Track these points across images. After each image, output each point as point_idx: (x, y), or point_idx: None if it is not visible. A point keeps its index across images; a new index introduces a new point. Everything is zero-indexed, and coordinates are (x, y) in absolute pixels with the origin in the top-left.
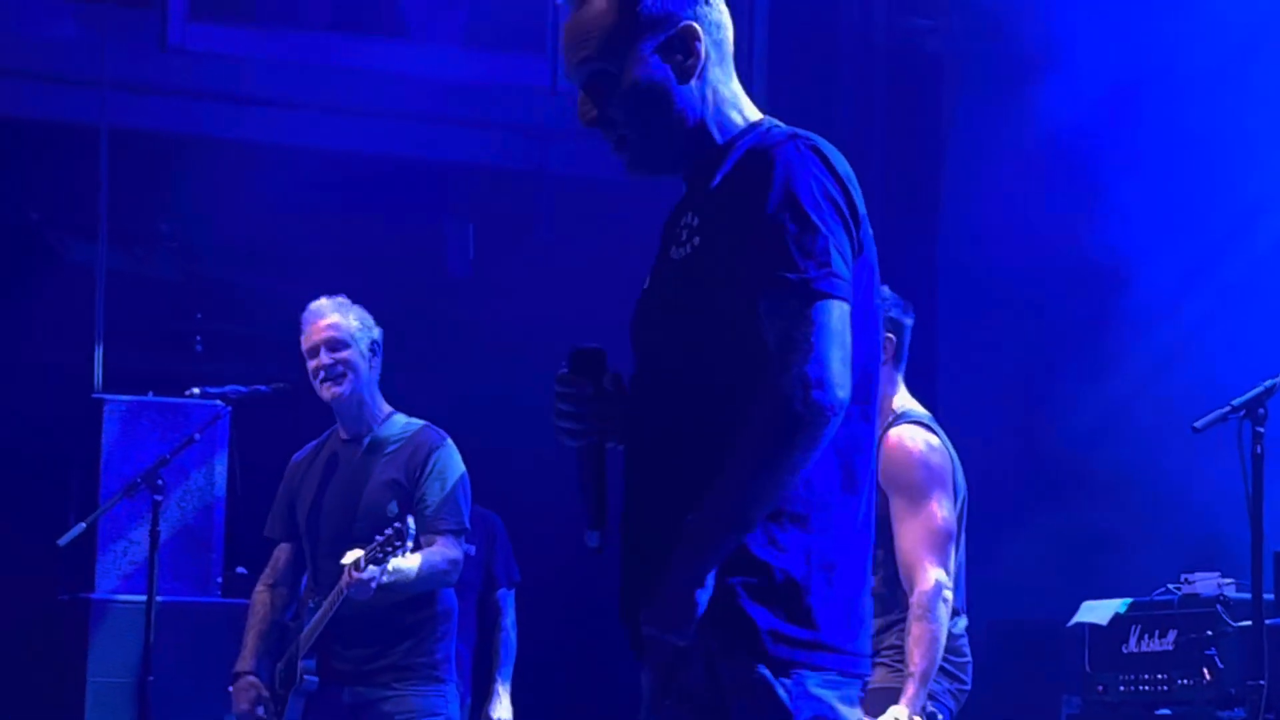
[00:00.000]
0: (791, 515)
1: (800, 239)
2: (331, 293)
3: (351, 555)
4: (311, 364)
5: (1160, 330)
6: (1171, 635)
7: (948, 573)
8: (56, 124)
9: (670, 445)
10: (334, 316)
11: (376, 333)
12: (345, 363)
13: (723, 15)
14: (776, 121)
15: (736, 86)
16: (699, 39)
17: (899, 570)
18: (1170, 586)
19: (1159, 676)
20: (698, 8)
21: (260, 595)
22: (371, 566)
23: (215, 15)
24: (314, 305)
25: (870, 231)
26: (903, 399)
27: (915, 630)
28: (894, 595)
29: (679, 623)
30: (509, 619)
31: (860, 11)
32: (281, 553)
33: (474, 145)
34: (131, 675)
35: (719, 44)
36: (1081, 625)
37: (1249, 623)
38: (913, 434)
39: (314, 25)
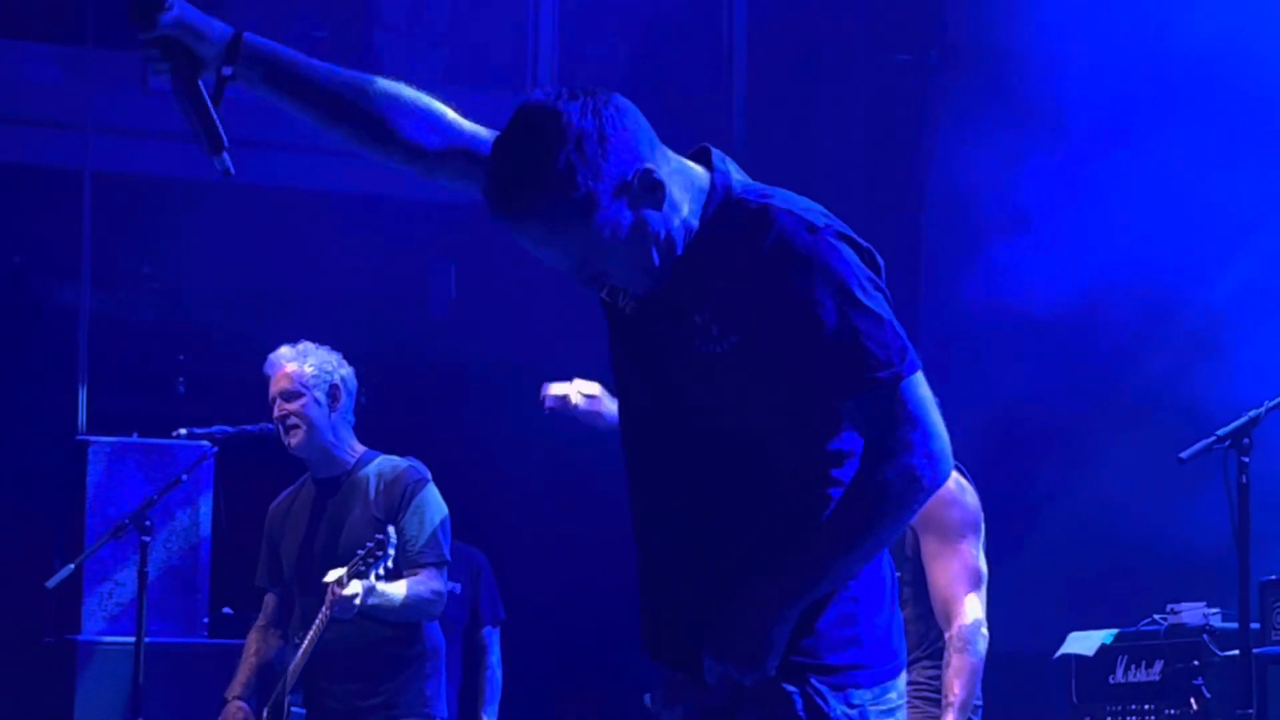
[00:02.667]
0: None
1: (874, 335)
2: (314, 333)
3: (334, 574)
4: (275, 413)
5: (1145, 360)
6: (1158, 665)
7: (983, 608)
8: (39, 167)
9: (740, 515)
10: (290, 366)
11: (340, 375)
12: (298, 414)
13: (634, 117)
14: (727, 171)
15: (676, 158)
16: (654, 171)
17: (933, 606)
18: (1156, 617)
19: (1146, 707)
20: (634, 150)
21: (252, 637)
22: (354, 583)
23: None
24: (273, 355)
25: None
26: None
27: (956, 662)
28: (923, 632)
29: (759, 661)
30: (494, 657)
31: (840, 46)
32: (271, 598)
33: (456, 189)
34: (118, 717)
35: (656, 146)
36: (1068, 656)
37: (1235, 652)
38: None
39: None
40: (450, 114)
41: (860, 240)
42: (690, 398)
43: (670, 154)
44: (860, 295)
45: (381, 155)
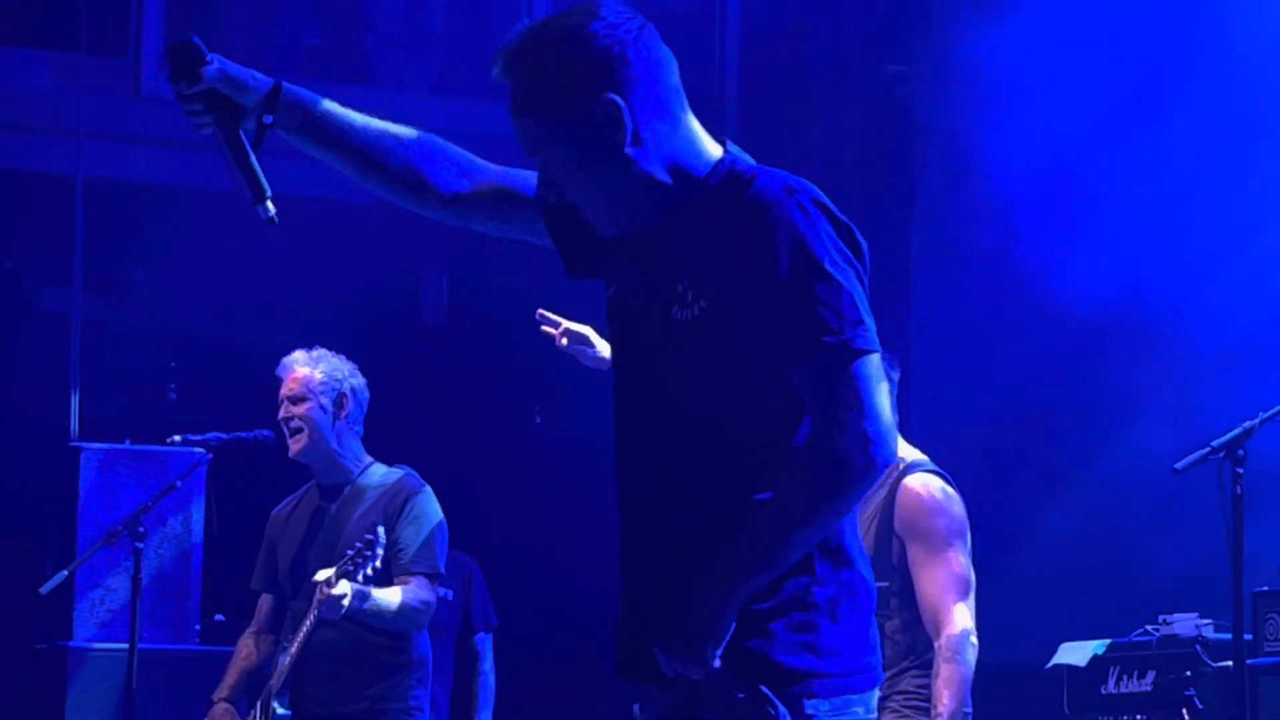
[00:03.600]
0: (823, 548)
1: (830, 302)
2: (305, 340)
3: (323, 573)
4: (280, 415)
5: (1137, 371)
6: (1150, 676)
7: (972, 617)
8: (32, 173)
9: (693, 500)
10: (300, 370)
11: (350, 384)
12: (301, 418)
13: (651, 64)
14: (742, 156)
15: (691, 127)
16: (621, 108)
17: (922, 615)
18: (1148, 627)
19: (1138, 718)
20: (614, 72)
21: (245, 642)
22: (343, 583)
23: None
24: (286, 358)
25: (869, 267)
26: (905, 447)
27: (945, 671)
28: (910, 641)
29: (701, 652)
30: (487, 664)
31: (833, 57)
32: (265, 603)
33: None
34: None
35: (652, 96)
36: (1060, 667)
37: (1228, 663)
38: (931, 483)
39: (286, 73)
40: (481, 161)
41: (841, 216)
42: (662, 372)
43: (689, 120)
44: (823, 260)
45: (416, 204)
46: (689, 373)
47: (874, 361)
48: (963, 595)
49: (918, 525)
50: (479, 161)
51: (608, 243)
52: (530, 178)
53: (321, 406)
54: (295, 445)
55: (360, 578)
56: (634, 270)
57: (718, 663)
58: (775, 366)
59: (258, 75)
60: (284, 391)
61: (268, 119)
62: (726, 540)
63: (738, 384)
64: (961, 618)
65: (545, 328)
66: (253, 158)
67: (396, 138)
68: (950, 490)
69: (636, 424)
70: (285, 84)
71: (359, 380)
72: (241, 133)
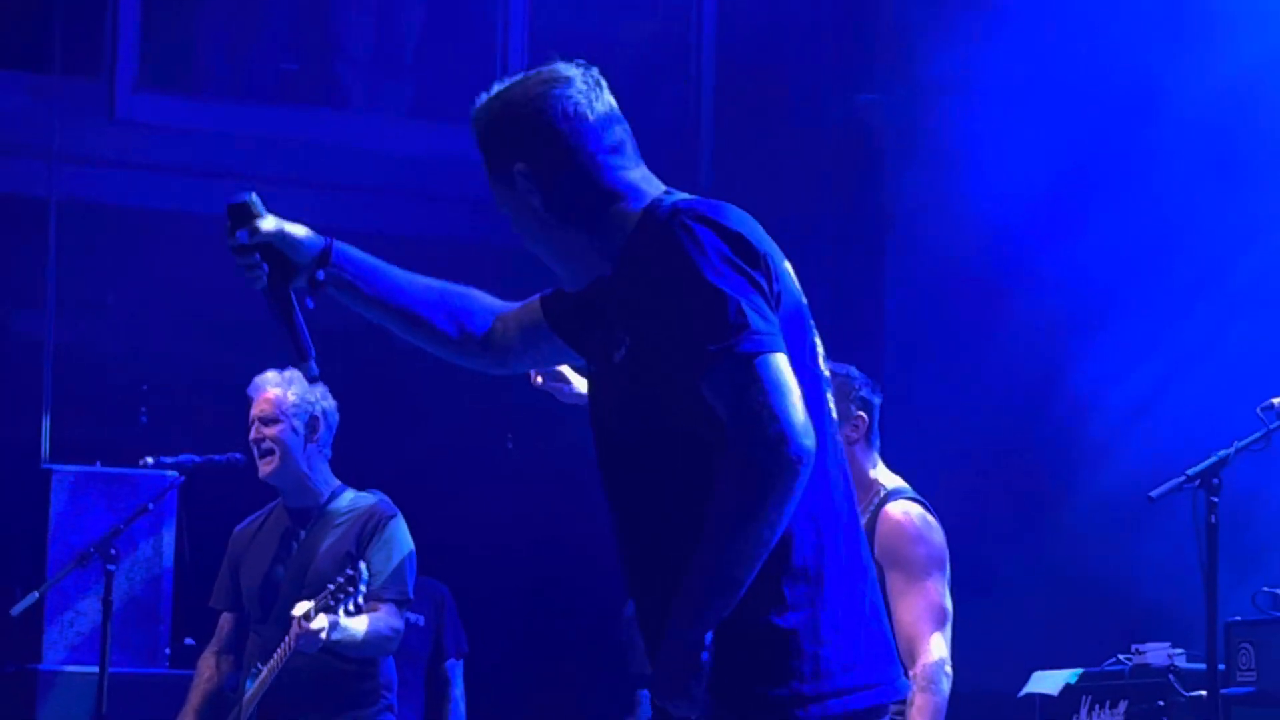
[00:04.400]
0: (790, 569)
1: (712, 312)
2: (277, 364)
3: (301, 606)
4: (251, 437)
5: (1110, 399)
6: (1122, 706)
7: (948, 646)
8: (4, 195)
9: (657, 533)
10: (273, 391)
11: (321, 407)
12: (274, 439)
13: (582, 129)
14: (669, 194)
15: (629, 180)
16: (529, 177)
17: (898, 644)
18: (1121, 657)
19: None
20: (534, 144)
21: (206, 661)
22: (322, 616)
23: (162, 87)
24: (258, 378)
25: (787, 275)
26: (887, 475)
27: (919, 701)
28: None
29: (683, 692)
30: (457, 689)
31: (807, 85)
32: (226, 622)
33: (420, 217)
34: None
35: (578, 161)
36: (1032, 696)
37: (1201, 693)
38: (911, 511)
39: (261, 97)
40: (514, 304)
41: (731, 226)
42: (608, 414)
43: (630, 175)
44: (704, 270)
45: (458, 355)
46: (626, 410)
47: (770, 362)
48: (939, 625)
49: (897, 553)
50: (512, 305)
51: (593, 313)
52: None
53: (293, 429)
54: (266, 467)
55: (342, 613)
56: (599, 333)
57: (707, 696)
58: (689, 388)
59: (313, 233)
60: (255, 412)
61: (320, 275)
62: (686, 572)
63: (670, 413)
64: (937, 647)
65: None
66: (298, 315)
67: (440, 293)
68: (930, 519)
69: (604, 466)
70: (336, 242)
71: (330, 403)
72: (291, 291)
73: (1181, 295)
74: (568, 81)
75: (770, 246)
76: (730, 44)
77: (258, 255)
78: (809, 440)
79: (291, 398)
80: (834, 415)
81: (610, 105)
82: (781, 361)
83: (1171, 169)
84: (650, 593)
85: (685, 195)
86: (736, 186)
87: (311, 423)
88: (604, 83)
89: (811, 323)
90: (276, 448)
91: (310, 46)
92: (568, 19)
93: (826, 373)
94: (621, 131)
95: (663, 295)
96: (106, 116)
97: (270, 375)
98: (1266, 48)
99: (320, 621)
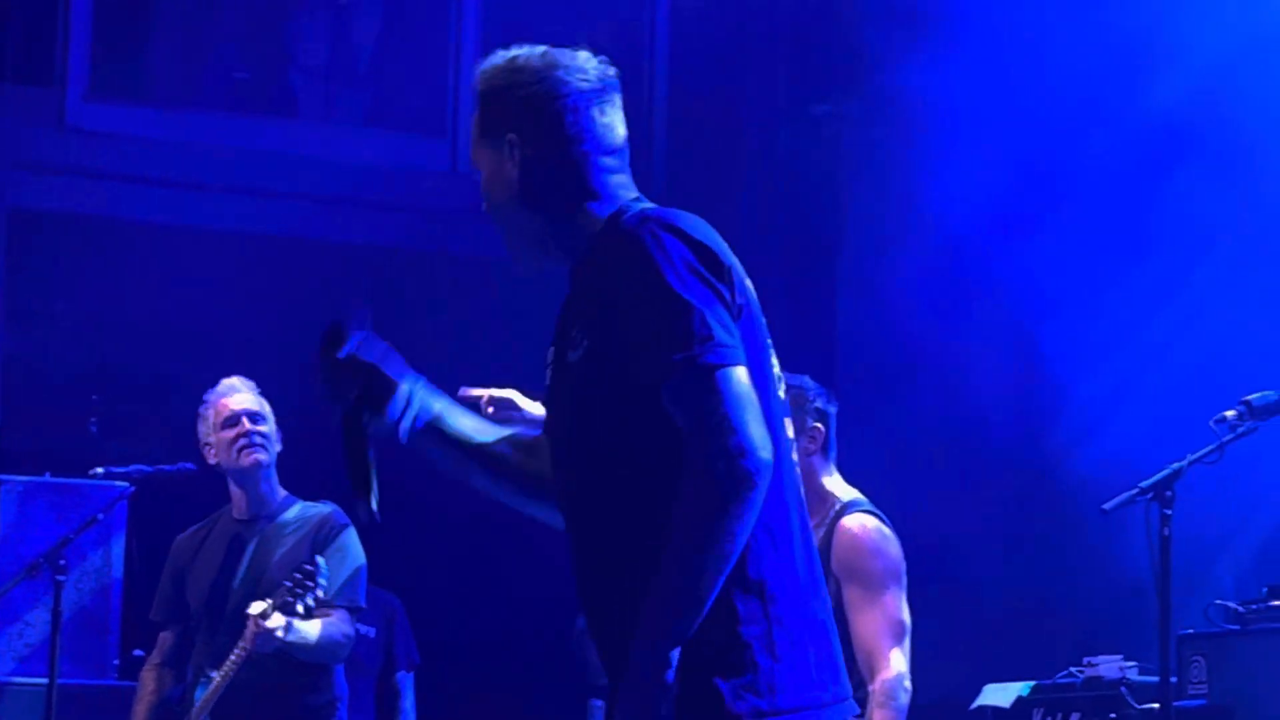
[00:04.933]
0: (746, 584)
1: (676, 322)
2: (230, 374)
3: (257, 606)
4: (230, 432)
5: (1064, 411)
6: (1075, 718)
7: (907, 661)
8: None
9: (609, 542)
10: (250, 394)
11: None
12: (264, 435)
13: (588, 124)
14: (638, 201)
15: (611, 183)
16: (516, 147)
17: (857, 657)
18: (1073, 669)
19: None
20: (538, 120)
21: (148, 674)
22: (278, 615)
23: (114, 95)
24: (228, 381)
25: (748, 289)
26: (842, 486)
27: (878, 716)
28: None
29: (651, 713)
30: (408, 701)
31: (761, 97)
32: (168, 636)
33: (373, 227)
34: None
35: (566, 151)
36: (984, 708)
37: (1153, 705)
38: (868, 524)
39: (213, 106)
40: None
41: (699, 237)
42: (564, 417)
43: (615, 179)
44: (671, 280)
45: (537, 504)
46: (581, 412)
47: (731, 375)
48: (897, 639)
49: (854, 566)
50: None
51: None
52: None
53: (274, 431)
54: (256, 455)
55: (301, 608)
56: (552, 347)
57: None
58: (649, 391)
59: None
60: (237, 408)
61: (419, 423)
62: (645, 589)
63: (625, 419)
64: (896, 662)
65: (466, 398)
66: (370, 457)
67: (511, 444)
68: (887, 531)
69: (561, 473)
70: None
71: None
72: (369, 431)
73: (1139, 304)
74: (584, 73)
75: (734, 260)
76: (683, 55)
77: (350, 374)
78: (766, 453)
79: (266, 404)
80: (789, 431)
81: (618, 107)
82: (742, 374)
83: (1126, 179)
84: (602, 604)
85: (652, 205)
86: (689, 196)
87: (276, 431)
88: (616, 80)
89: (768, 339)
90: (266, 444)
91: (263, 55)
92: (520, 30)
93: (782, 390)
94: (622, 135)
95: (626, 300)
96: (57, 124)
97: (239, 380)
98: (1221, 51)
99: (276, 620)
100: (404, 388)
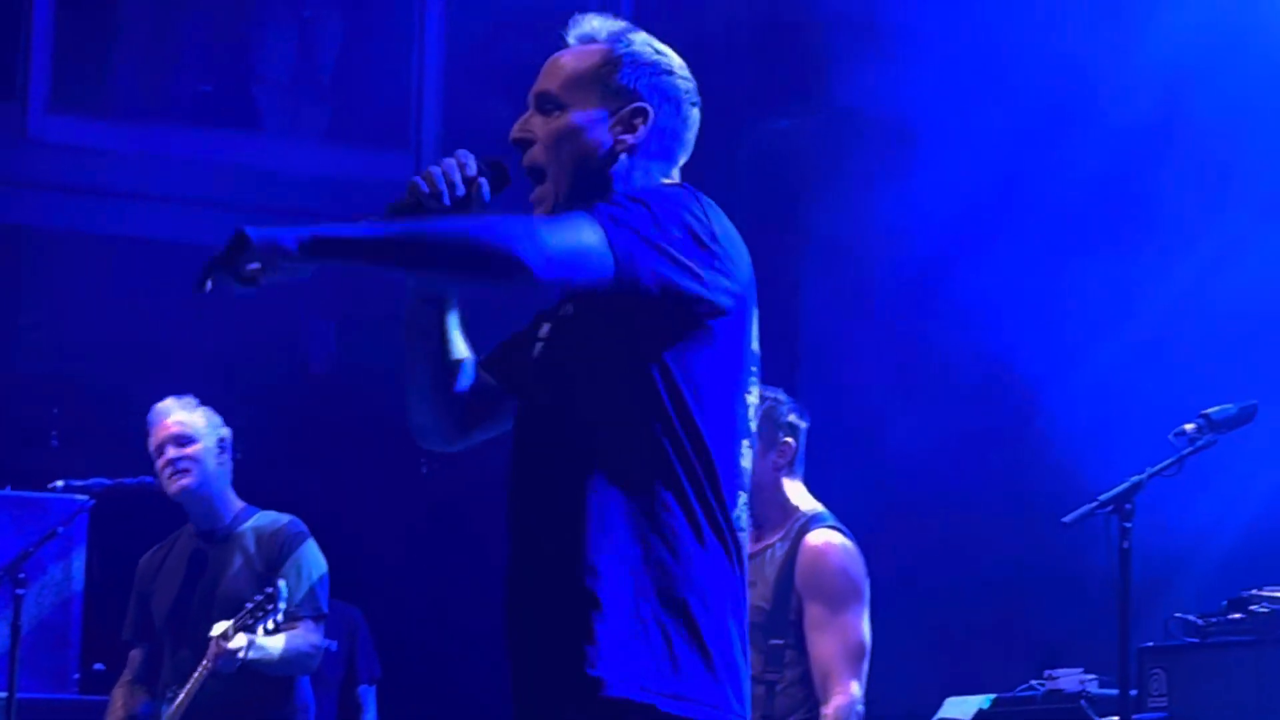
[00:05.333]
0: (665, 577)
1: (623, 202)
2: (192, 388)
3: (219, 627)
4: (159, 461)
5: (1025, 423)
6: None
7: (861, 686)
8: None
9: (541, 504)
10: (180, 414)
11: (224, 432)
12: (190, 458)
13: (686, 123)
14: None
15: (672, 174)
16: (643, 123)
17: (813, 675)
18: (1034, 683)
19: None
20: (662, 103)
21: (118, 692)
22: (240, 636)
23: (76, 108)
24: (159, 405)
25: (747, 286)
26: (807, 499)
27: None
28: (804, 695)
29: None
30: (370, 715)
31: (722, 110)
32: (137, 654)
33: None
34: None
35: (667, 143)
36: None
37: (1113, 718)
38: (833, 540)
39: (175, 118)
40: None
41: (720, 223)
42: (532, 393)
43: (674, 171)
44: (652, 205)
45: (439, 438)
46: (549, 379)
47: (601, 227)
48: (855, 662)
49: (818, 584)
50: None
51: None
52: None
53: (208, 449)
54: (183, 480)
55: (261, 631)
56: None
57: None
58: (631, 356)
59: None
60: (164, 435)
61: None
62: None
63: (594, 379)
64: (851, 687)
65: None
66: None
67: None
68: (851, 547)
69: (516, 457)
70: None
71: (227, 430)
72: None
73: (1105, 317)
74: (694, 87)
75: (747, 268)
76: None
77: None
78: (550, 271)
79: (201, 420)
80: (748, 459)
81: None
82: (600, 237)
83: (1093, 193)
84: (525, 598)
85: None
86: None
87: (220, 444)
88: None
89: (754, 364)
90: (192, 466)
91: (226, 69)
92: (484, 45)
93: (753, 420)
94: (689, 151)
95: None
96: (19, 137)
97: (170, 402)
98: (1186, 64)
99: (239, 641)
100: None
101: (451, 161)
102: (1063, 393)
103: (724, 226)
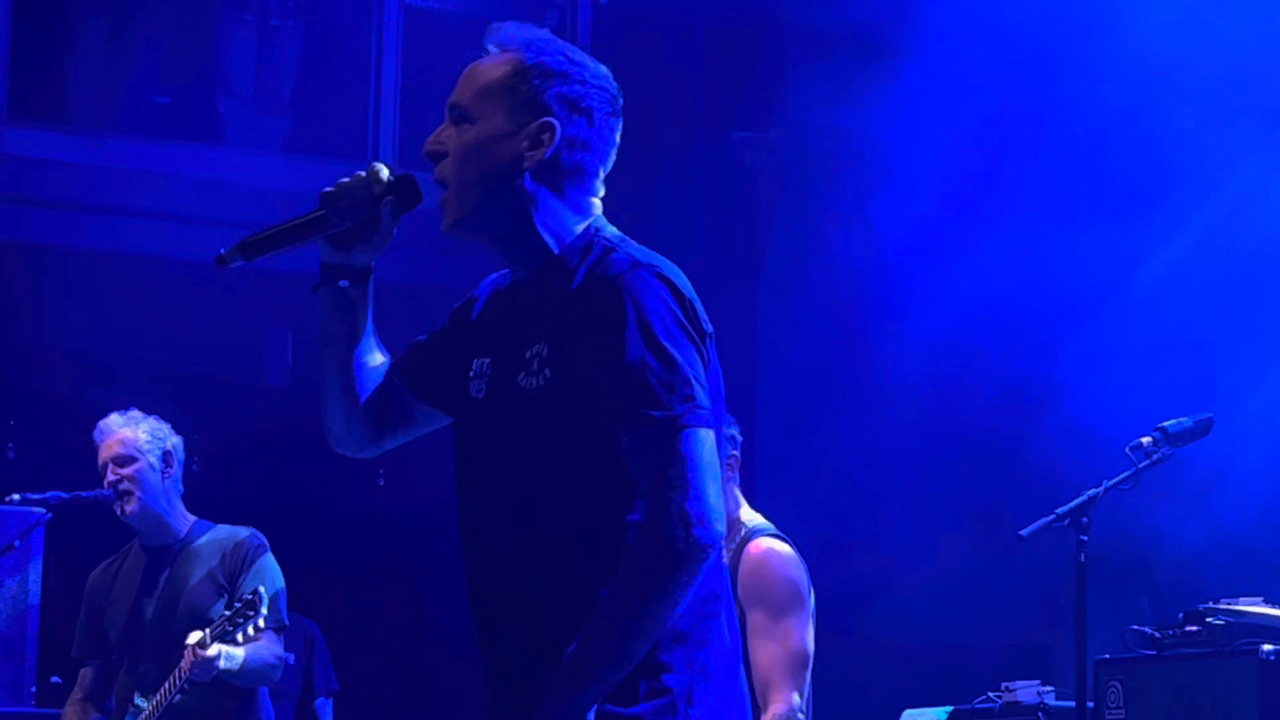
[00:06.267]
0: (671, 633)
1: (660, 374)
2: (148, 400)
3: (195, 635)
4: (104, 480)
5: (984, 434)
6: None
7: (802, 695)
8: None
9: (531, 571)
10: (122, 432)
11: (171, 442)
12: (131, 478)
13: (601, 134)
14: (606, 227)
15: (589, 202)
16: (551, 138)
17: (754, 683)
18: (991, 694)
19: None
20: (572, 115)
21: (70, 710)
22: (217, 644)
23: (34, 120)
24: (102, 422)
25: (715, 348)
26: (749, 512)
27: None
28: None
29: None
30: None
31: (679, 122)
32: (88, 671)
33: (294, 253)
34: None
35: (579, 156)
36: None
37: None
38: (773, 549)
39: (134, 131)
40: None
41: (688, 293)
42: (505, 441)
43: (590, 200)
44: (659, 331)
45: (343, 438)
46: (529, 440)
47: (703, 438)
48: (797, 670)
49: (759, 592)
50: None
51: (465, 350)
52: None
53: (150, 466)
54: (128, 506)
55: (240, 637)
56: (487, 358)
57: None
58: (609, 435)
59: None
60: (107, 454)
61: (344, 283)
62: (573, 635)
63: (574, 455)
64: (790, 695)
65: None
66: (288, 239)
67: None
68: (793, 555)
69: (478, 507)
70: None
71: (176, 439)
72: (316, 238)
73: (1064, 328)
74: (615, 92)
75: (708, 323)
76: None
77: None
78: (722, 525)
79: (144, 436)
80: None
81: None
82: (710, 439)
83: (1051, 206)
84: (509, 626)
85: (616, 231)
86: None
87: (165, 458)
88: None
89: (722, 394)
90: (134, 488)
91: (184, 80)
92: (440, 59)
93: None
94: (610, 162)
95: (608, 343)
96: None
97: (114, 418)
98: (1150, 76)
99: (216, 649)
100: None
101: (362, 174)
102: (1025, 402)
103: (693, 293)
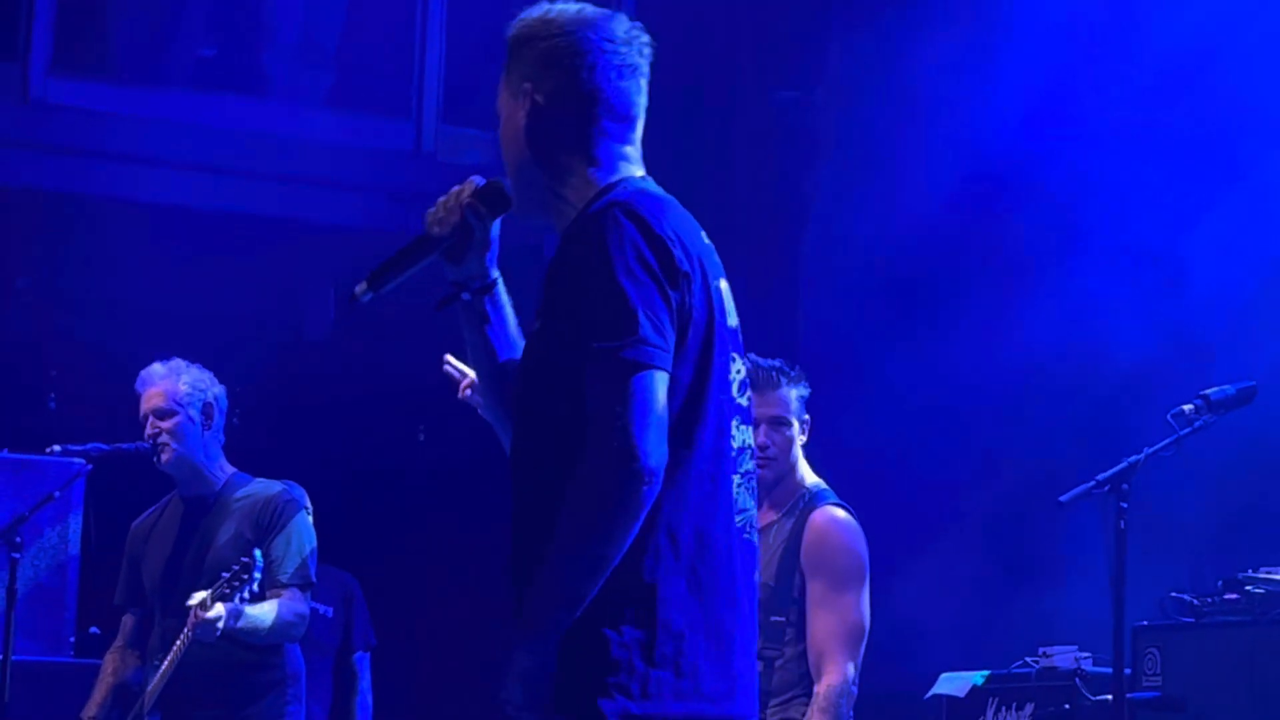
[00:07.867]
0: (637, 587)
1: (609, 309)
2: (189, 352)
3: (197, 596)
4: (146, 430)
5: (1026, 401)
6: (1029, 708)
7: (857, 667)
8: None
9: (520, 502)
10: (163, 383)
11: (213, 393)
12: (171, 431)
13: (594, 77)
14: (642, 180)
15: (616, 152)
16: (528, 96)
17: (809, 653)
18: (1028, 659)
19: None
20: (546, 73)
21: (111, 657)
22: (218, 605)
23: (78, 70)
24: (145, 372)
25: (713, 293)
26: (810, 474)
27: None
28: (803, 671)
29: (530, 704)
30: (365, 682)
31: (723, 81)
32: (129, 619)
33: (336, 207)
34: None
35: (574, 107)
36: (939, 697)
37: (1107, 697)
38: (836, 518)
39: (177, 82)
40: None
41: (661, 232)
42: (520, 383)
43: (622, 148)
44: (617, 268)
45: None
46: (525, 380)
47: (645, 377)
48: (852, 643)
49: (822, 562)
50: None
51: None
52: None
53: (190, 418)
54: (166, 456)
55: (238, 600)
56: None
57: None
58: (577, 368)
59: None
60: (148, 405)
61: (465, 296)
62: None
63: (552, 391)
64: (845, 668)
65: (449, 370)
66: (408, 268)
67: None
68: (855, 525)
69: (512, 446)
70: (500, 285)
71: (219, 388)
72: (429, 257)
73: (1091, 303)
74: (612, 34)
75: (695, 265)
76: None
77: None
78: (655, 460)
79: (184, 387)
80: (745, 444)
81: (641, 76)
82: (658, 379)
83: (1094, 169)
84: (516, 555)
85: (648, 185)
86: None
87: (206, 409)
88: (647, 52)
89: (733, 352)
90: (174, 440)
91: (230, 32)
92: (487, 14)
93: (744, 397)
94: (638, 105)
95: (573, 281)
96: (20, 98)
97: (157, 368)
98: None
99: (217, 610)
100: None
101: (456, 188)
102: (1065, 365)
103: (672, 232)
